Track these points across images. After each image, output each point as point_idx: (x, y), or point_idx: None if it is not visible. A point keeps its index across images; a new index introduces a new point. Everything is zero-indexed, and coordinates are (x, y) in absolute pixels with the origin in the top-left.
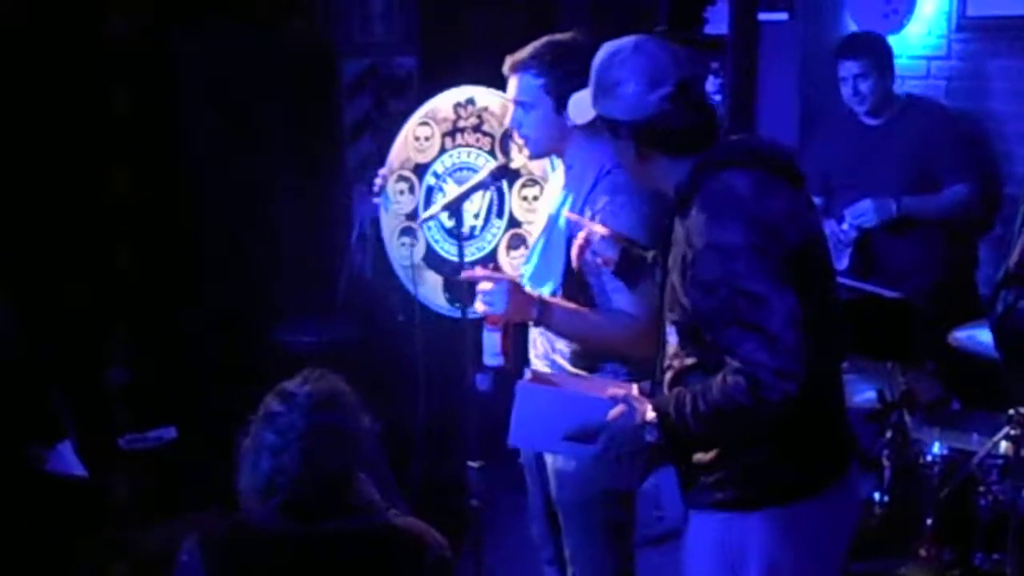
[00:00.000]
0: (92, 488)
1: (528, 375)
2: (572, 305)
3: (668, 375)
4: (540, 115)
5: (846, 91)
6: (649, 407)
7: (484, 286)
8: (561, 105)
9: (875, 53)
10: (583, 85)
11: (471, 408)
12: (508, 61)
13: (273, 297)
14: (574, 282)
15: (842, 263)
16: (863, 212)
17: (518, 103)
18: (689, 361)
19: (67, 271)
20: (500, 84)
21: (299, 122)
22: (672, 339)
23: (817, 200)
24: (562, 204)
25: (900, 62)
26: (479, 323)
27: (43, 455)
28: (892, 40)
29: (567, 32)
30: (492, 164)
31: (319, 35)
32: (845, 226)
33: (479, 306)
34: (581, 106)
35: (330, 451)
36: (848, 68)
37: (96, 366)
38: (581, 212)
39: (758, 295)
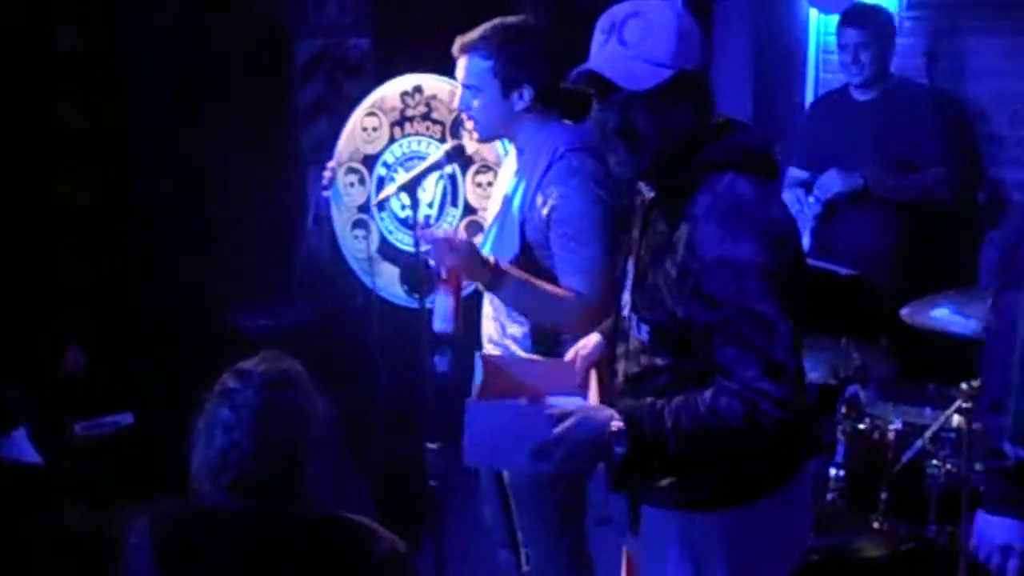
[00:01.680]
0: (47, 475)
1: (480, 363)
2: (525, 276)
3: (632, 369)
4: (487, 98)
5: (844, 58)
6: (615, 416)
7: (433, 237)
8: (508, 88)
9: (879, 24)
10: (531, 69)
11: (429, 389)
12: (457, 42)
13: (229, 281)
14: (528, 265)
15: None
16: (829, 180)
17: (465, 86)
18: (659, 362)
19: (18, 257)
20: (454, 66)
21: (253, 104)
22: (641, 336)
23: (803, 174)
24: (515, 189)
25: None
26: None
27: None
28: None
29: (518, 15)
30: (447, 144)
31: (272, 16)
32: (811, 199)
33: (431, 260)
34: (637, 73)
35: (283, 428)
36: (850, 36)
37: (50, 353)
38: (534, 196)
39: (766, 319)
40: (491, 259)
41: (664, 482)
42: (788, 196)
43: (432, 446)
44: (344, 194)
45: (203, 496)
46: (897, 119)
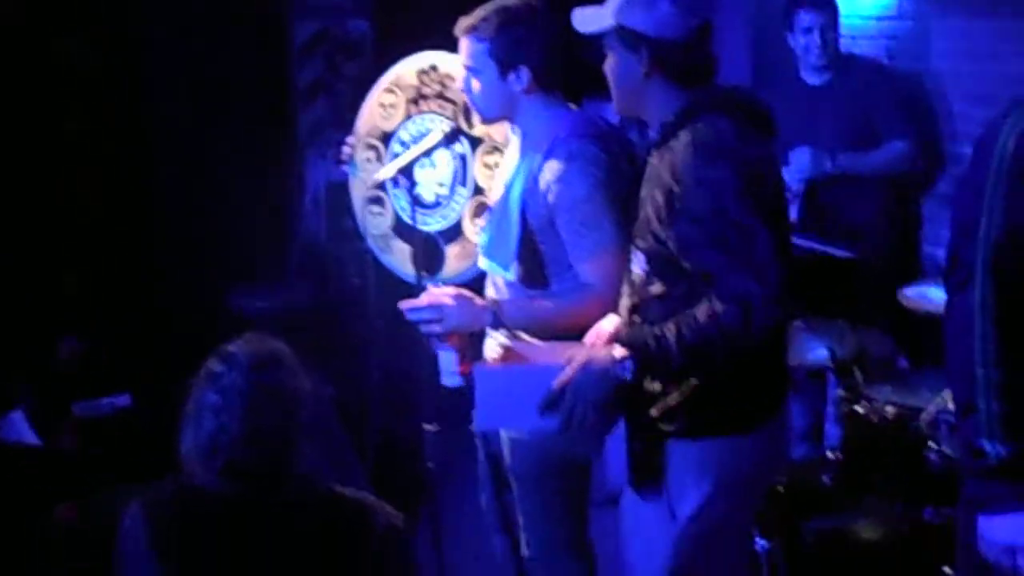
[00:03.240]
0: (45, 456)
1: (497, 353)
2: (522, 300)
3: (632, 302)
4: (485, 80)
5: (801, 41)
6: (616, 347)
7: (425, 304)
8: (505, 70)
9: (832, 6)
10: (530, 51)
11: (427, 371)
12: (458, 24)
13: (227, 263)
14: (528, 250)
15: (791, 215)
16: (800, 162)
17: (466, 68)
18: (655, 289)
19: (17, 239)
20: (453, 48)
21: (251, 85)
22: (639, 268)
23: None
24: (516, 174)
25: (849, 21)
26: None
27: None
28: (843, 0)
29: None
30: (444, 126)
31: None
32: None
33: (422, 327)
34: (587, 17)
35: (272, 409)
36: (812, 19)
37: (48, 334)
38: (536, 181)
39: (746, 226)
40: (488, 302)
41: (669, 403)
42: None
43: (429, 428)
44: (361, 169)
45: (196, 477)
46: (852, 97)
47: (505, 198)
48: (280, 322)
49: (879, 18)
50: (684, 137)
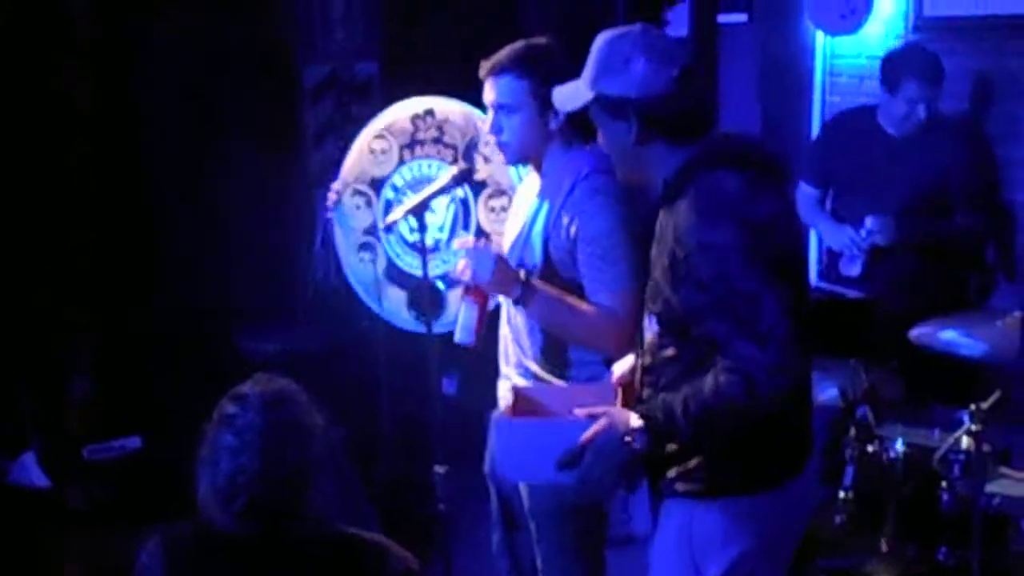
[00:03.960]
0: (54, 499)
1: (509, 398)
2: (555, 291)
3: (646, 362)
4: (524, 118)
5: (902, 108)
6: (633, 415)
7: (466, 246)
8: (545, 107)
9: (943, 78)
10: None
11: (437, 412)
12: (486, 65)
13: (237, 305)
14: (550, 281)
15: (854, 271)
16: (885, 231)
17: (499, 106)
18: (668, 352)
19: (28, 282)
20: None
21: (262, 127)
22: (651, 330)
23: (813, 191)
24: (538, 210)
25: (858, 62)
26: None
27: (6, 466)
28: (849, 41)
29: (537, 38)
30: (455, 168)
31: (281, 40)
32: (863, 233)
33: (460, 268)
34: (567, 95)
35: (289, 447)
36: (917, 91)
37: (59, 376)
38: (559, 216)
39: (751, 293)
40: (522, 273)
41: (691, 463)
42: (837, 233)
43: (440, 470)
44: (350, 216)
45: (215, 519)
46: (931, 158)
47: (527, 233)
48: (289, 364)
49: None
50: (687, 196)
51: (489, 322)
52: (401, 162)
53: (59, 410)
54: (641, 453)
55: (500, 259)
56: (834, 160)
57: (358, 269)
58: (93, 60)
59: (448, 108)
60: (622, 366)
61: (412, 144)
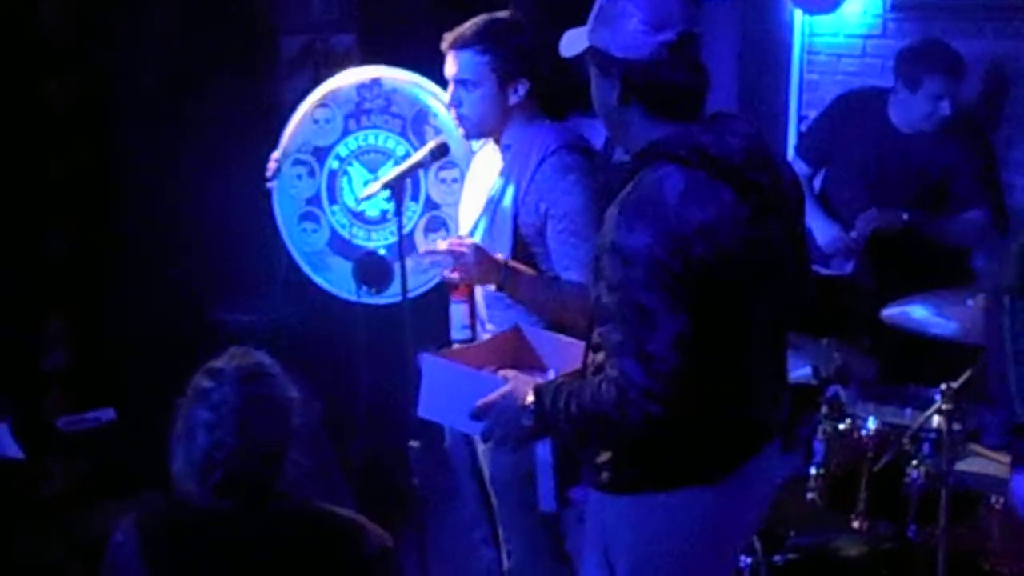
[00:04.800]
0: (29, 470)
1: (509, 330)
2: (533, 271)
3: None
4: (484, 92)
5: (924, 106)
6: (531, 392)
7: (447, 249)
8: (505, 82)
9: (965, 70)
10: (529, 62)
11: (412, 387)
12: (448, 38)
13: (212, 275)
14: (521, 259)
15: (846, 269)
16: (869, 219)
17: (459, 81)
18: (595, 337)
19: (1, 256)
20: (440, 63)
21: (238, 98)
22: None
23: (805, 169)
24: (504, 187)
25: (836, 40)
26: (419, 300)
27: None
28: (827, 19)
29: (506, 11)
30: (432, 142)
31: (257, 12)
32: (854, 234)
33: (447, 272)
34: (572, 39)
35: (265, 421)
36: (940, 87)
37: (32, 347)
38: (527, 194)
39: (647, 310)
40: (501, 258)
41: (600, 457)
42: (826, 231)
43: (415, 444)
44: (290, 186)
45: (191, 495)
46: (936, 153)
47: (493, 210)
48: (265, 336)
49: (866, 37)
50: (627, 190)
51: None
52: (346, 132)
53: (33, 380)
54: (531, 429)
55: (479, 250)
56: (835, 143)
57: (300, 239)
58: (66, 36)
59: (396, 77)
60: None
61: (358, 114)
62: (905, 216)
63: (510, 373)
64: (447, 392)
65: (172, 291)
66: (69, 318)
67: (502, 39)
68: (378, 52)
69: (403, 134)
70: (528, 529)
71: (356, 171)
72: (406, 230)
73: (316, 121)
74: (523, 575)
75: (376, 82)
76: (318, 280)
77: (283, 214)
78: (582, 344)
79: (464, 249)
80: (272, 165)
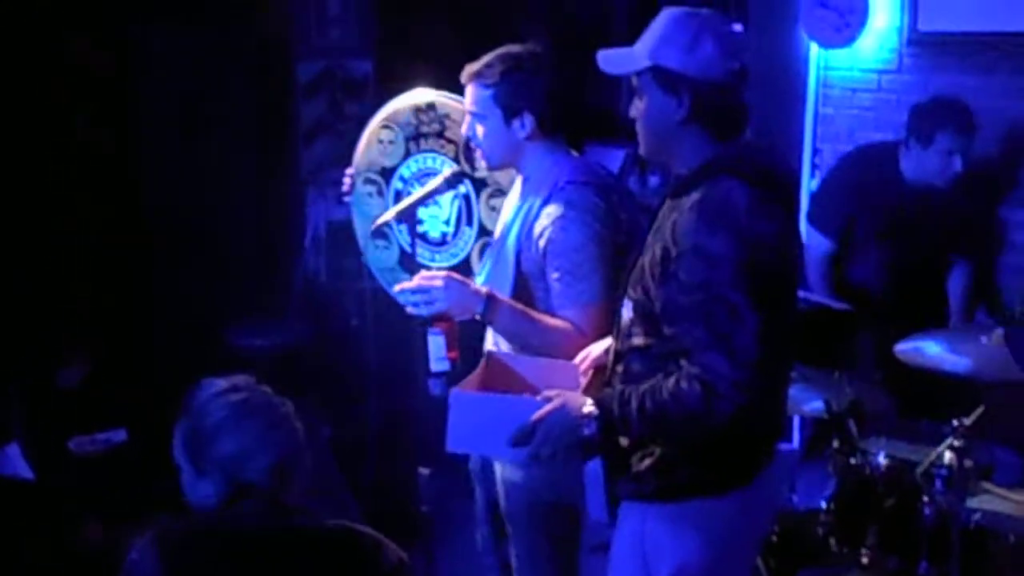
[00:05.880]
0: (39, 491)
1: (484, 359)
2: (520, 305)
3: (616, 347)
4: (490, 126)
5: (935, 161)
6: (588, 401)
7: (415, 285)
8: (509, 116)
9: (975, 127)
10: (534, 97)
11: (423, 413)
12: (464, 71)
13: (226, 300)
14: (522, 294)
15: None
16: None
17: (472, 114)
18: (637, 341)
19: (17, 272)
20: (457, 89)
21: (254, 124)
22: (627, 315)
23: (824, 241)
24: (515, 217)
25: (851, 75)
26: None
27: None
28: (843, 53)
29: (524, 43)
30: (447, 171)
31: (276, 37)
32: None
33: (409, 309)
34: (614, 58)
35: (287, 438)
36: (951, 143)
37: (46, 367)
38: (532, 227)
39: (734, 306)
40: (483, 289)
41: (642, 465)
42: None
43: (425, 471)
44: (363, 203)
45: (208, 514)
46: (949, 207)
47: (503, 240)
48: (278, 360)
49: (881, 72)
50: (694, 196)
51: (474, 331)
52: (408, 154)
53: (46, 401)
54: (591, 439)
55: (454, 282)
56: (853, 203)
57: (374, 256)
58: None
59: (448, 104)
60: (598, 347)
61: (417, 137)
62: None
63: (552, 392)
64: (480, 423)
65: (186, 313)
66: (83, 338)
67: (508, 73)
68: (395, 79)
69: (456, 159)
70: (540, 563)
71: (398, 205)
72: (462, 255)
73: (381, 142)
74: None
75: (431, 106)
76: (394, 295)
77: (360, 230)
78: (565, 363)
79: (435, 282)
80: (347, 181)
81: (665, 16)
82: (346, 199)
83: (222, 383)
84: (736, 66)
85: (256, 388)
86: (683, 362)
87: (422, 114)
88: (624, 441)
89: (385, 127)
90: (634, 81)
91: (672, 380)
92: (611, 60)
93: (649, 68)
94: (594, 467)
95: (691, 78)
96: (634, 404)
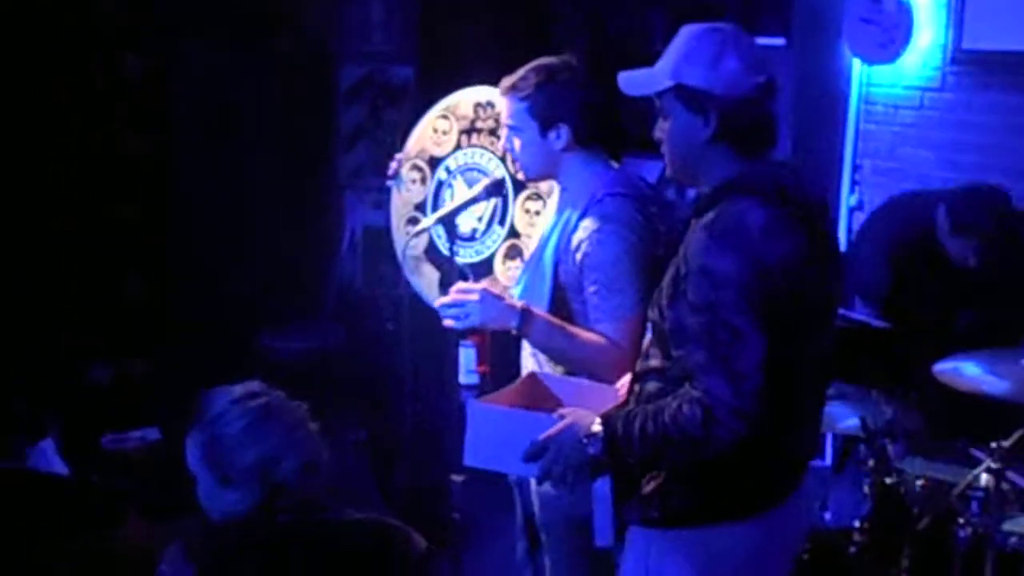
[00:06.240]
0: (73, 486)
1: (523, 377)
2: (557, 320)
3: (637, 368)
4: (526, 138)
5: (960, 251)
6: (597, 420)
7: (451, 299)
8: (546, 128)
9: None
10: (569, 109)
11: (456, 420)
12: (501, 84)
13: (262, 303)
14: (559, 306)
15: None
16: None
17: (508, 126)
18: (653, 363)
19: (53, 271)
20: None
21: (294, 129)
22: (647, 335)
23: (865, 317)
24: (554, 227)
25: (894, 92)
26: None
27: (25, 452)
28: (886, 70)
29: (561, 53)
30: (486, 179)
31: (318, 41)
32: None
33: (447, 322)
34: (636, 79)
35: (308, 434)
36: (980, 244)
37: (80, 364)
38: (569, 239)
39: (737, 330)
40: (518, 303)
41: (648, 488)
42: None
43: (457, 478)
44: (406, 188)
45: (236, 517)
46: (999, 289)
47: (540, 252)
48: (312, 364)
49: (924, 89)
50: (709, 216)
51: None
52: (458, 146)
53: (80, 398)
54: (597, 458)
55: (489, 296)
56: (887, 277)
57: (404, 239)
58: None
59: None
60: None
61: (471, 130)
62: None
63: (567, 410)
64: (496, 437)
65: (222, 316)
66: (118, 336)
67: (541, 86)
68: (436, 84)
69: (503, 158)
70: (576, 573)
71: (458, 185)
72: (487, 253)
73: (436, 131)
74: None
75: (490, 103)
76: (412, 282)
77: (396, 212)
78: (605, 387)
79: (471, 296)
80: (394, 165)
81: (685, 33)
82: (389, 183)
83: (237, 390)
84: (762, 79)
85: (271, 392)
86: (687, 385)
87: (480, 109)
88: (634, 465)
89: (443, 116)
90: (657, 102)
91: (676, 403)
92: (633, 82)
93: (673, 88)
94: (601, 489)
95: (717, 95)
96: (637, 424)
